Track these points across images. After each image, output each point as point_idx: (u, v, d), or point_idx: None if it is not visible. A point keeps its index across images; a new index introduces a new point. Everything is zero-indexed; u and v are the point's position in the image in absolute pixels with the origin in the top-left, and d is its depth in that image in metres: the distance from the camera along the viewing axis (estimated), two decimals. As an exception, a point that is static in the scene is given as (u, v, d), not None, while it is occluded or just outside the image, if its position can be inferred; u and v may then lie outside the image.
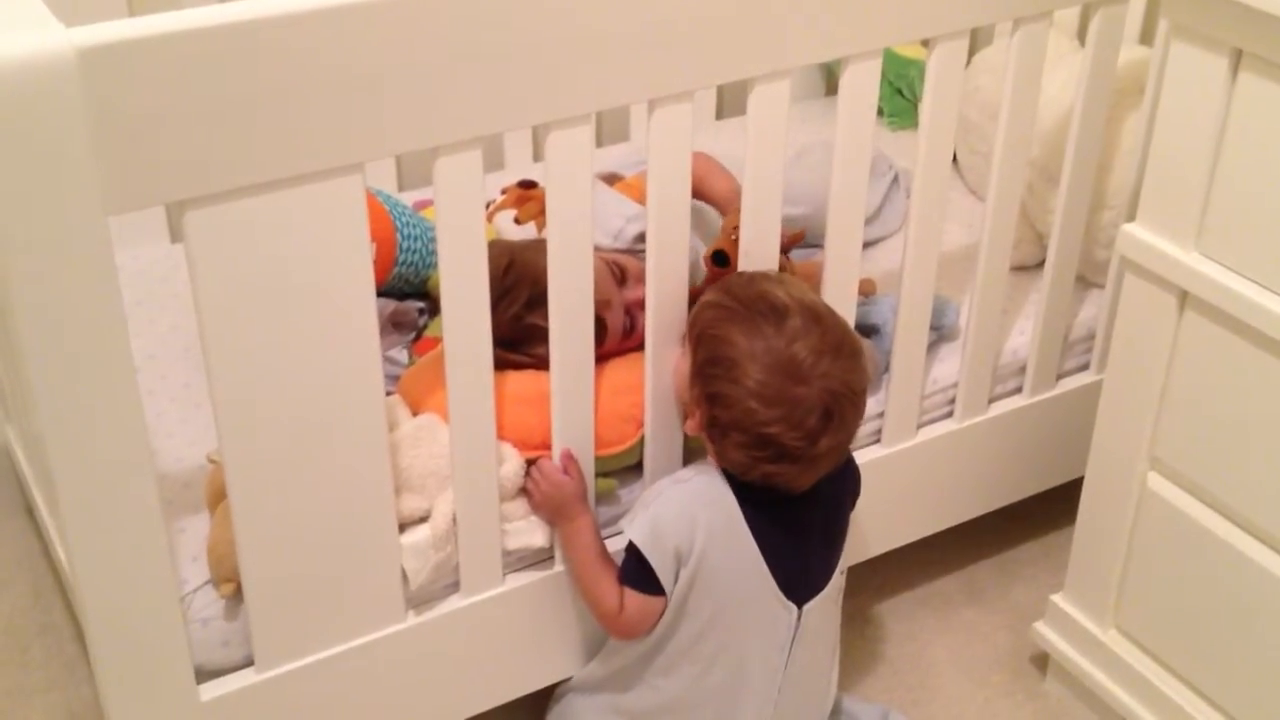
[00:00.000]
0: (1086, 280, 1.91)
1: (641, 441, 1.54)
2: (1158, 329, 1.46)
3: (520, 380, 1.51)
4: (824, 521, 1.51)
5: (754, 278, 1.45)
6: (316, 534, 1.34)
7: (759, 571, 1.45)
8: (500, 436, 1.44)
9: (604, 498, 1.56)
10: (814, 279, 1.62)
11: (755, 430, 1.37)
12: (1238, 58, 1.31)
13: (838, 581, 1.54)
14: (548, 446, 1.48)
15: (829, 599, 1.52)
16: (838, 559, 1.52)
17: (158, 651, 1.31)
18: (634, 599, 1.45)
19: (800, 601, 1.48)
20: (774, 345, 1.37)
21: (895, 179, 2.06)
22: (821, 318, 1.40)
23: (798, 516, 1.47)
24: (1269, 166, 1.31)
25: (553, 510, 1.49)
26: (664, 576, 1.43)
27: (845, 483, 1.54)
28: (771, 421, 1.37)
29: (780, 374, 1.36)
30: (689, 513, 1.43)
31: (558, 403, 1.45)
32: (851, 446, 1.69)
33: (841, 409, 1.39)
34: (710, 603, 1.45)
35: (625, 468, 1.58)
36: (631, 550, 1.44)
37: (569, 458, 1.47)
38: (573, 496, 1.47)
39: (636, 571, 1.44)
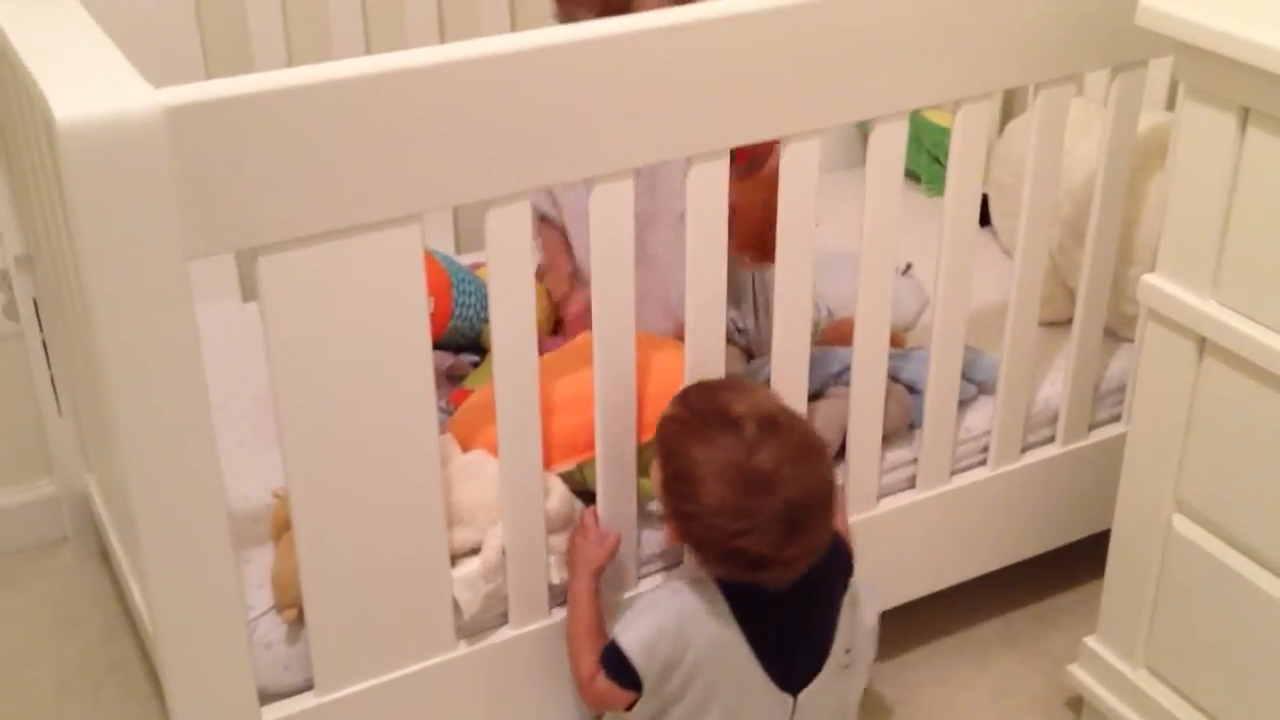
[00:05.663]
0: (1117, 335, 1.96)
1: None
2: (1178, 374, 1.51)
3: (560, 386, 1.53)
4: (817, 611, 1.50)
5: (714, 389, 1.45)
6: (374, 564, 1.41)
7: (753, 671, 1.45)
8: (548, 445, 1.48)
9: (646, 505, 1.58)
10: (845, 335, 1.67)
11: (724, 544, 1.38)
12: (1245, 115, 1.37)
13: (839, 659, 1.52)
14: (592, 447, 1.52)
15: (828, 678, 1.50)
16: (831, 643, 1.51)
17: (224, 673, 1.37)
18: (606, 683, 1.45)
19: (796, 690, 1.48)
20: (732, 457, 1.37)
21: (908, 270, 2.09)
22: (779, 424, 1.39)
23: (789, 610, 1.46)
24: (1278, 216, 1.37)
25: (570, 561, 1.54)
26: (646, 680, 1.43)
27: (835, 568, 1.52)
28: (738, 534, 1.36)
29: (740, 487, 1.36)
30: (683, 629, 1.43)
31: (600, 391, 1.47)
32: (879, 498, 1.73)
33: (805, 516, 1.38)
34: (705, 698, 1.45)
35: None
36: (617, 649, 1.43)
37: (594, 523, 1.52)
38: (584, 561, 1.51)
39: (617, 665, 1.43)
